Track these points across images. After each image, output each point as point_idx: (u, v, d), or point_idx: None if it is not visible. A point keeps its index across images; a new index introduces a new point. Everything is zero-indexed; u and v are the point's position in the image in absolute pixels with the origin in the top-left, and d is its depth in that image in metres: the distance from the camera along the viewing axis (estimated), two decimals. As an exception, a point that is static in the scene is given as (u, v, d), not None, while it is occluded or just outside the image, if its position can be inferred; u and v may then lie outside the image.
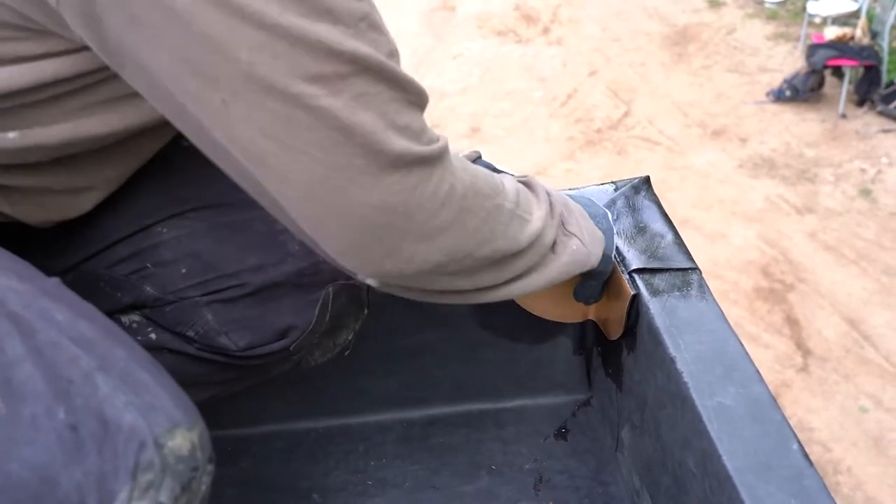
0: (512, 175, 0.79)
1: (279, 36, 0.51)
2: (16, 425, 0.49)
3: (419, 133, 0.59)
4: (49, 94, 0.61)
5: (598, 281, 0.89)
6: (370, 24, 0.55)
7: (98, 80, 0.61)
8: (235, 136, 0.56)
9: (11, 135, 0.63)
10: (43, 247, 0.75)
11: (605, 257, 0.84)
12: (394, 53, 0.58)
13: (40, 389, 0.50)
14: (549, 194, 0.78)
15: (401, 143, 0.57)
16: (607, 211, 0.90)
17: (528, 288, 0.75)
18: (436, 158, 0.61)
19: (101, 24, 0.53)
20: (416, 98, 0.59)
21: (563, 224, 0.78)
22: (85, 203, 0.76)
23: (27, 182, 0.68)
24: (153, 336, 0.82)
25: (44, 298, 0.55)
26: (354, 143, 0.56)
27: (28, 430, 0.49)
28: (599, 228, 0.85)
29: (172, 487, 0.50)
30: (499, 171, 1.04)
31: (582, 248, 0.79)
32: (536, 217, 0.73)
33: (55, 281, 0.59)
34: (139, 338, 0.81)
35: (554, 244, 0.76)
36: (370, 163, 0.57)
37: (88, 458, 0.49)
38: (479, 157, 1.05)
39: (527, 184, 0.78)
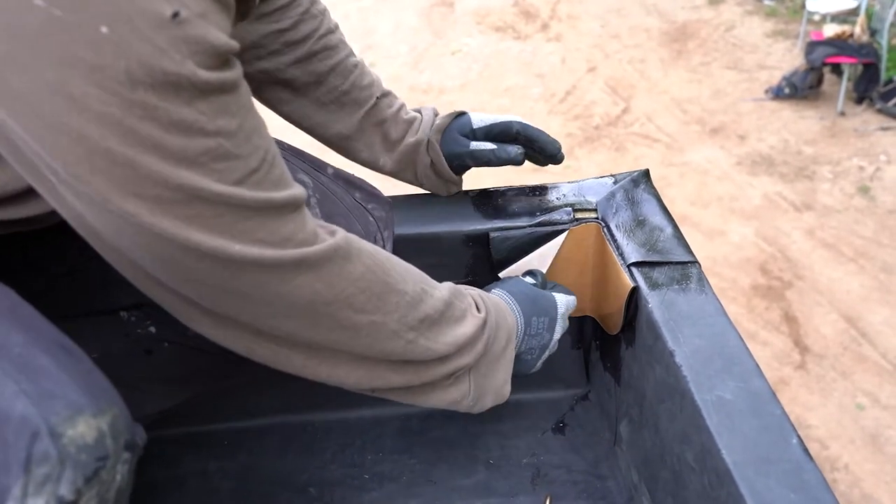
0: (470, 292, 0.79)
1: (100, 156, 0.48)
2: None
3: (282, 241, 0.57)
4: None
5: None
6: (214, 157, 0.52)
7: None
8: (64, 210, 0.54)
9: None
10: (41, 250, 0.74)
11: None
12: (253, 172, 0.54)
13: None
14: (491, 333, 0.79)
15: (244, 250, 0.54)
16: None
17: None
18: (297, 263, 0.58)
19: None
20: (279, 209, 0.56)
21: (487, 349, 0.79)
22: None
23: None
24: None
25: None
26: (190, 253, 0.53)
27: None
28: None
29: (74, 479, 0.46)
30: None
31: (469, 396, 0.80)
32: (443, 344, 0.72)
33: None
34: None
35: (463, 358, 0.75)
36: (212, 265, 0.54)
37: None
38: (464, 113, 1.07)
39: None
